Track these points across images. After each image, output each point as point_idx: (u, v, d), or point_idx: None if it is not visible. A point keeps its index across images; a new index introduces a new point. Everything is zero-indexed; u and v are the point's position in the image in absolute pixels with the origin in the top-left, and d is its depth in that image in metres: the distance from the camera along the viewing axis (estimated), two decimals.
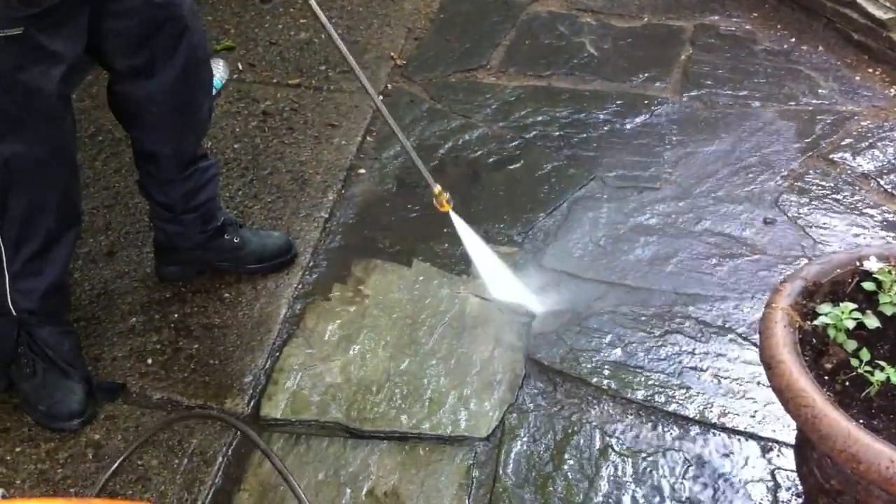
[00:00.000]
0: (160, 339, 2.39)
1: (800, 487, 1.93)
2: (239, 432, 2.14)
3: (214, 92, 3.35)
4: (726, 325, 2.39)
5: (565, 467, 2.05)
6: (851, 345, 1.60)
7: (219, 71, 3.42)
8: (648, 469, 2.04)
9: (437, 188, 2.39)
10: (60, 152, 1.99)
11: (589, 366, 2.29)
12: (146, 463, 2.07)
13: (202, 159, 2.36)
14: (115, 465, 2.00)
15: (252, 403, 2.23)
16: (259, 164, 3.01)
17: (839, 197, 2.82)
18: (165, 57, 2.07)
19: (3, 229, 2.00)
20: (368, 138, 3.18)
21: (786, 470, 2.02)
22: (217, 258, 2.54)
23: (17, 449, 2.12)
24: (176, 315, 2.47)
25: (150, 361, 2.33)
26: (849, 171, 2.93)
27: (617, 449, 2.09)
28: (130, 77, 2.10)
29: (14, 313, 2.12)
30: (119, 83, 2.14)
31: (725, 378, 2.25)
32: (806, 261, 2.51)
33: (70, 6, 1.82)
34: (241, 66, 3.55)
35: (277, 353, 2.36)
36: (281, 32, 3.78)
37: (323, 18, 2.14)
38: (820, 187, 2.86)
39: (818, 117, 3.20)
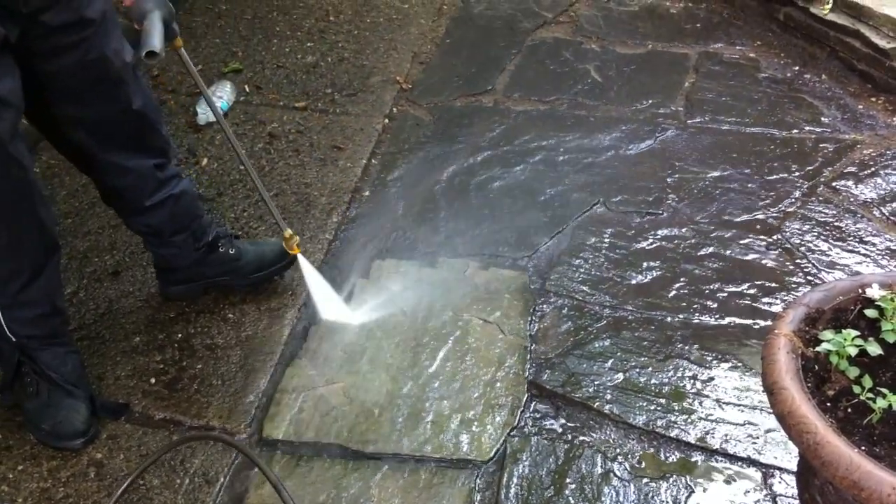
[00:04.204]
0: (164, 359, 2.40)
1: None
2: (241, 454, 2.14)
3: (222, 113, 3.37)
4: (728, 351, 2.40)
5: (567, 492, 2.05)
6: (854, 372, 1.60)
7: (226, 93, 3.45)
8: (650, 495, 2.04)
9: (288, 231, 2.45)
10: (26, 191, 1.97)
11: (591, 390, 2.29)
12: (148, 483, 2.07)
13: (172, 181, 2.34)
14: (124, 486, 2.01)
15: (254, 424, 2.24)
16: (265, 186, 3.02)
17: (841, 225, 2.83)
18: (103, 108, 2.07)
19: None
20: (373, 161, 3.20)
21: (787, 497, 2.01)
22: (216, 272, 2.55)
23: (20, 467, 2.12)
24: (179, 335, 2.48)
25: (153, 381, 2.34)
26: (851, 199, 2.94)
27: (619, 474, 2.09)
28: (72, 126, 2.09)
29: (14, 339, 2.13)
30: (61, 132, 2.12)
31: (727, 404, 2.25)
32: (808, 288, 2.52)
33: (1, 55, 1.80)
34: (247, 89, 3.58)
35: (280, 375, 2.37)
36: (288, 56, 3.81)
37: (192, 68, 2.15)
38: (822, 215, 2.87)
39: (821, 145, 3.21)
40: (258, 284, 2.60)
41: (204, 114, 3.35)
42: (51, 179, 3.03)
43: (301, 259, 2.51)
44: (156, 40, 1.85)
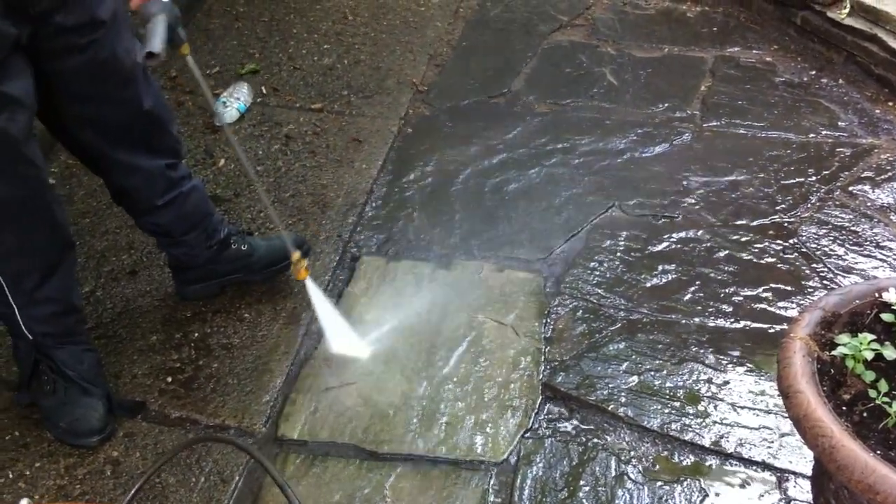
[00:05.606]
0: (180, 358, 2.42)
1: None
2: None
3: (238, 115, 3.39)
4: (743, 355, 2.39)
5: (580, 494, 2.05)
6: (870, 376, 1.60)
7: (243, 94, 3.46)
8: (664, 498, 2.04)
9: (296, 254, 2.34)
10: (39, 191, 1.99)
11: (605, 393, 2.30)
12: (164, 481, 2.09)
13: (183, 182, 2.34)
14: (134, 489, 2.01)
15: (269, 423, 2.25)
16: (281, 187, 3.05)
17: (858, 229, 2.82)
18: (113, 108, 2.08)
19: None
20: (389, 163, 3.21)
21: (802, 501, 2.01)
22: (229, 269, 2.56)
23: (37, 464, 2.14)
24: (196, 334, 2.49)
25: (169, 380, 2.36)
26: (868, 204, 2.93)
27: (633, 477, 2.09)
28: (81, 125, 2.10)
29: (31, 337, 2.15)
30: (71, 131, 2.13)
31: (742, 408, 2.24)
32: (824, 291, 2.51)
33: (13, 55, 1.81)
34: (264, 90, 3.59)
35: (295, 375, 2.38)
36: (305, 57, 3.83)
37: (198, 75, 2.13)
38: (839, 219, 2.86)
39: (837, 150, 3.20)
40: (273, 280, 2.61)
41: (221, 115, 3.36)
42: (69, 179, 3.06)
43: (309, 284, 2.38)
44: (157, 42, 1.85)
